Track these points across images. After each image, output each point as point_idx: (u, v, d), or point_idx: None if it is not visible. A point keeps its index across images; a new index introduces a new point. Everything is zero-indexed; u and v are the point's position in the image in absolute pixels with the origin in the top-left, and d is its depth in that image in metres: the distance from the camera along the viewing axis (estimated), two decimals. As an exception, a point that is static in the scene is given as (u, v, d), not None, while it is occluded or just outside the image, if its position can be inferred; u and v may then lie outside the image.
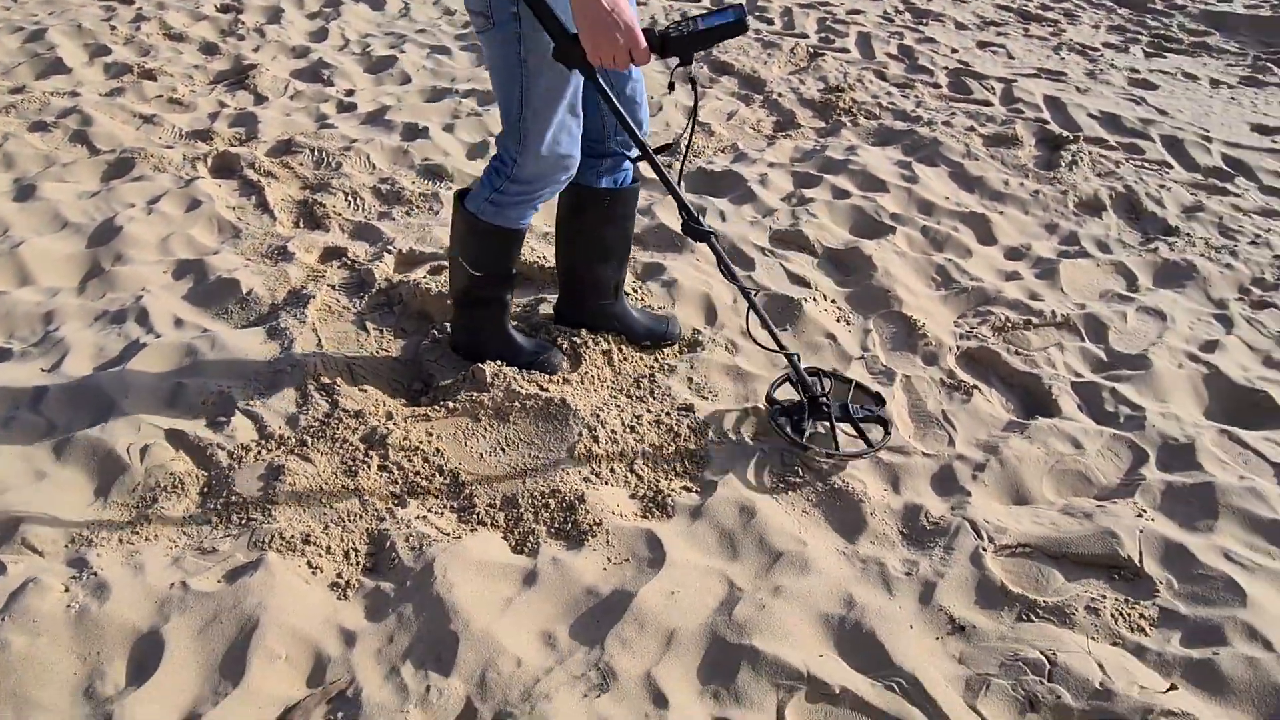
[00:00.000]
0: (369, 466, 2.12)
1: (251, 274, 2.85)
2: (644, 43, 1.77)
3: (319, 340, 2.55)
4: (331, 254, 3.04)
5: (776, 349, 2.23)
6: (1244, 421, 2.50)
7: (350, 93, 4.39)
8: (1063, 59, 5.46)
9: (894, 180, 3.67)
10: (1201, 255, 3.30)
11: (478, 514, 2.05)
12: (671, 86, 1.97)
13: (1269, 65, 5.53)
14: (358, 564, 1.93)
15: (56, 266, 2.92)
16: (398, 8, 5.67)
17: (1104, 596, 1.90)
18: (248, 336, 2.56)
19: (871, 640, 1.79)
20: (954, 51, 5.42)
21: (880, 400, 2.40)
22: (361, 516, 2.02)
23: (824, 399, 2.26)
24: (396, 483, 2.11)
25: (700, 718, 1.64)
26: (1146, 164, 4.03)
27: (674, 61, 1.95)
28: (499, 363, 2.40)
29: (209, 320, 2.69)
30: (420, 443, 2.19)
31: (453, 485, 2.13)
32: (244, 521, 1.99)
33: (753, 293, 2.26)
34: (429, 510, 2.06)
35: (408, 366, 2.54)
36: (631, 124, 2.02)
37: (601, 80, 1.94)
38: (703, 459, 2.25)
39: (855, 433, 2.32)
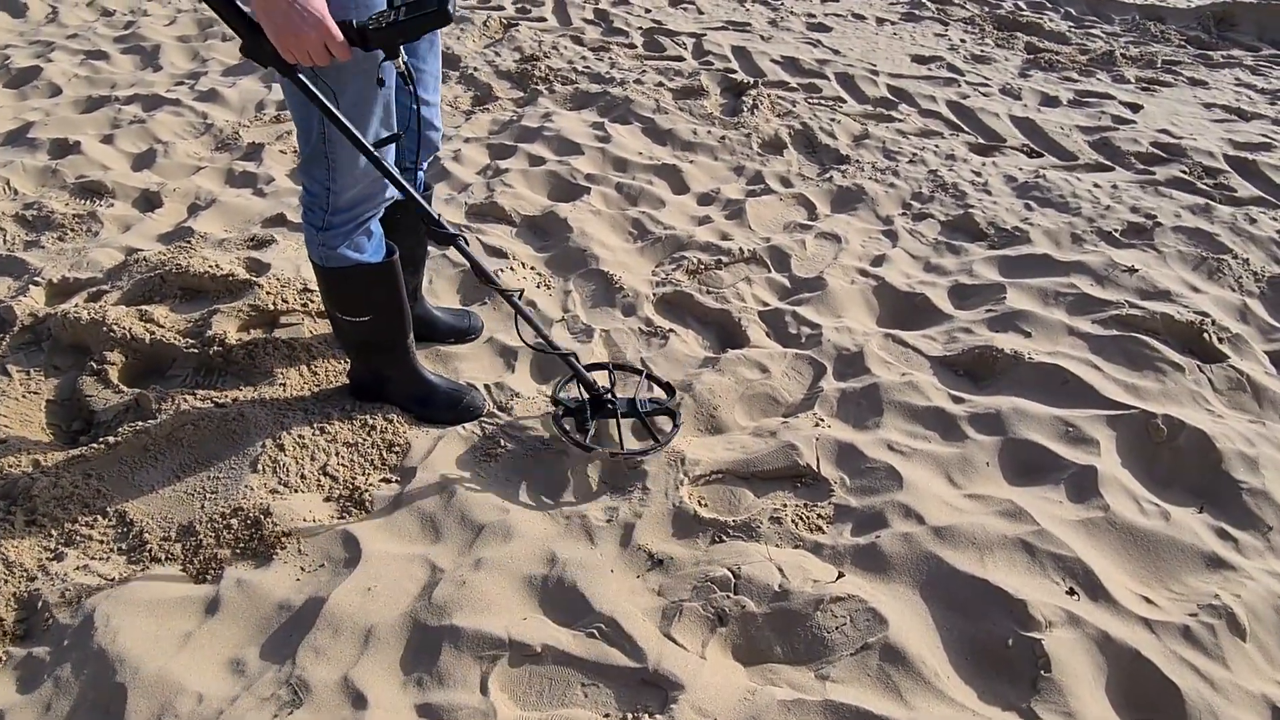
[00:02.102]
0: (11, 525, 1.89)
1: None
2: (339, 36, 1.60)
3: (-52, 395, 2.24)
4: (-35, 296, 2.68)
5: (550, 350, 2.13)
6: (906, 323, 2.75)
7: (-13, 113, 3.89)
8: (748, 10, 5.76)
9: (588, 142, 3.73)
10: (869, 178, 3.59)
11: (150, 551, 1.88)
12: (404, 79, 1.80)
13: (923, 1, 6.10)
14: (4, 635, 1.72)
15: None
16: (44, 13, 5.08)
17: (786, 505, 2.03)
18: None
19: (574, 592, 1.81)
20: (648, 11, 5.57)
21: (670, 390, 2.34)
22: (7, 581, 1.80)
23: (609, 396, 2.18)
24: (50, 536, 1.90)
25: (403, 709, 1.60)
26: (822, 100, 4.33)
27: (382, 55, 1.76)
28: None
29: None
30: (76, 487, 1.98)
31: (120, 526, 1.94)
32: None
33: (515, 295, 2.08)
34: (91, 558, 1.87)
35: (64, 407, 2.29)
36: (355, 132, 1.76)
37: (313, 83, 1.70)
38: (403, 448, 2.18)
39: (644, 426, 2.21)
